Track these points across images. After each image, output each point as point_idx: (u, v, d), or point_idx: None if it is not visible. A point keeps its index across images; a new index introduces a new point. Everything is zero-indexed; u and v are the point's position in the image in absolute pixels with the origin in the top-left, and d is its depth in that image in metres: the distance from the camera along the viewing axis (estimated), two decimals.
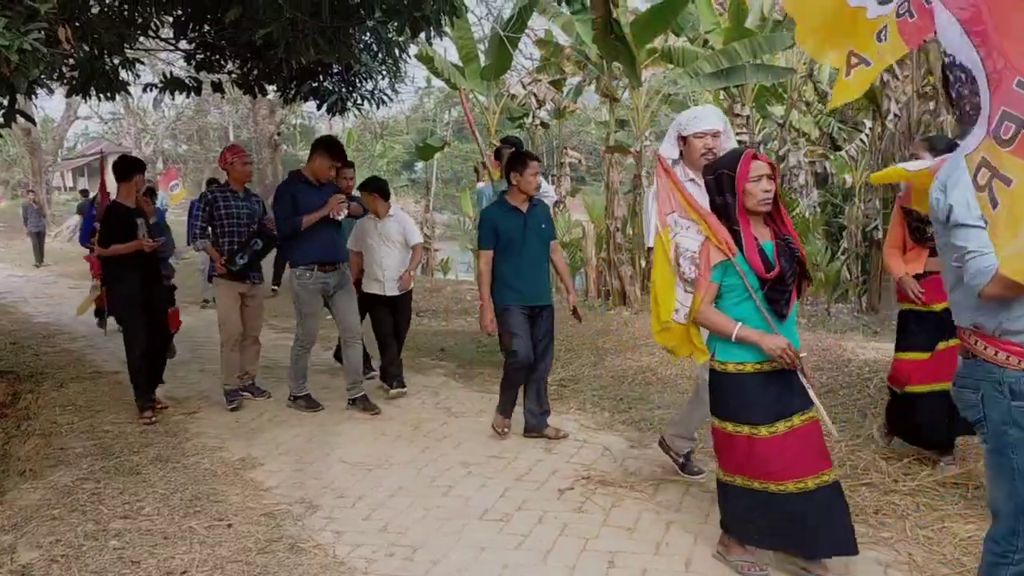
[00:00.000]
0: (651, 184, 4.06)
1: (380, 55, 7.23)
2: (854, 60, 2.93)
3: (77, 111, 31.82)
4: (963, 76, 2.34)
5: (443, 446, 5.35)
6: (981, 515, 3.86)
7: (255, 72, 7.44)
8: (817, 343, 7.10)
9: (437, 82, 22.71)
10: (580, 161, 21.44)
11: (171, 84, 7.44)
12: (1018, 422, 2.42)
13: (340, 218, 6.02)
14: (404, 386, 6.64)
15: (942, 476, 4.32)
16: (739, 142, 14.74)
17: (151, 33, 7.11)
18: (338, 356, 7.16)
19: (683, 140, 4.12)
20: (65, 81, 7.12)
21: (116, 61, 6.89)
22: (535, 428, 5.41)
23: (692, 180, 3.98)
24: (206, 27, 6.98)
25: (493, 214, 5.39)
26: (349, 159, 7.01)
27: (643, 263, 11.89)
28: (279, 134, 20.52)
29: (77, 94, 7.22)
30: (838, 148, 15.52)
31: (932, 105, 7.64)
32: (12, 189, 42.76)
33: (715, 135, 4.04)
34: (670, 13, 10.98)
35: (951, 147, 4.21)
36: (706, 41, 13.33)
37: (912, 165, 4.17)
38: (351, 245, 6.61)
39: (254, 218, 6.42)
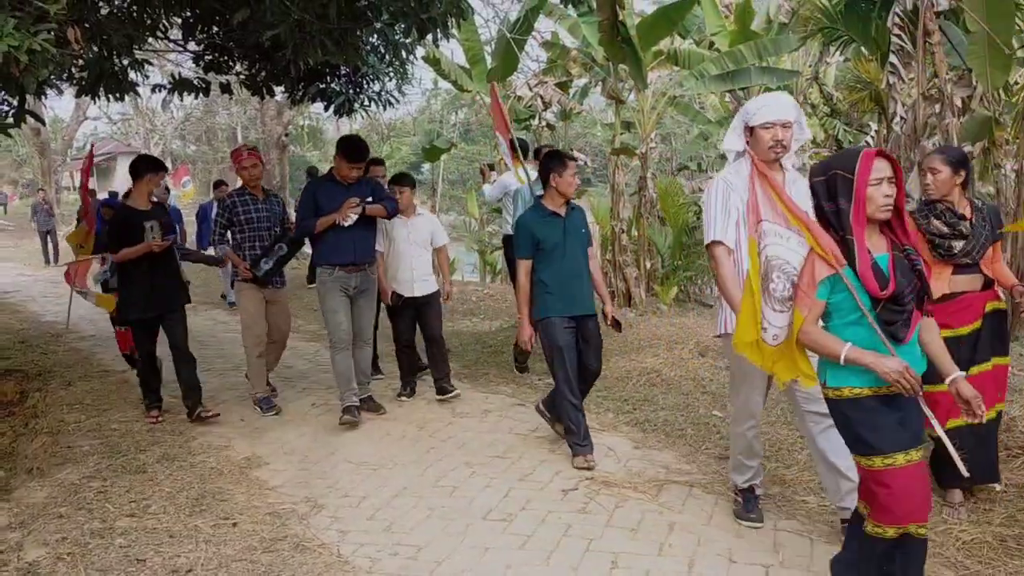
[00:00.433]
0: (707, 183, 3.86)
1: (387, 57, 7.27)
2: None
3: (86, 111, 31.95)
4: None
5: (447, 446, 5.37)
6: (984, 520, 3.87)
7: (263, 73, 7.47)
8: None
9: (444, 84, 22.79)
10: (586, 163, 21.46)
11: (180, 85, 7.47)
12: None
13: (346, 224, 5.77)
14: (455, 390, 6.45)
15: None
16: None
17: (160, 34, 7.15)
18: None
19: (750, 131, 3.74)
20: (74, 82, 7.17)
21: (125, 62, 6.93)
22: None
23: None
24: (214, 28, 7.02)
25: (530, 220, 5.07)
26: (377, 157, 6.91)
27: (647, 264, 11.90)
28: (287, 135, 20.58)
29: (86, 94, 7.26)
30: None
31: (938, 108, 7.62)
32: (21, 188, 42.95)
33: (785, 126, 3.67)
34: (676, 15, 11.00)
35: (963, 158, 4.18)
36: (712, 43, 13.34)
37: None
38: (376, 246, 6.32)
39: (275, 220, 6.33)
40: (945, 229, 4.01)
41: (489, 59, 14.53)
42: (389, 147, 35.75)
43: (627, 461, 4.93)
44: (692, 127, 18.42)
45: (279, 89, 8.03)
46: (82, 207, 7.11)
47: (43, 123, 14.20)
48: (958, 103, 7.65)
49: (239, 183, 6.42)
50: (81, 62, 6.51)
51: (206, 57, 7.45)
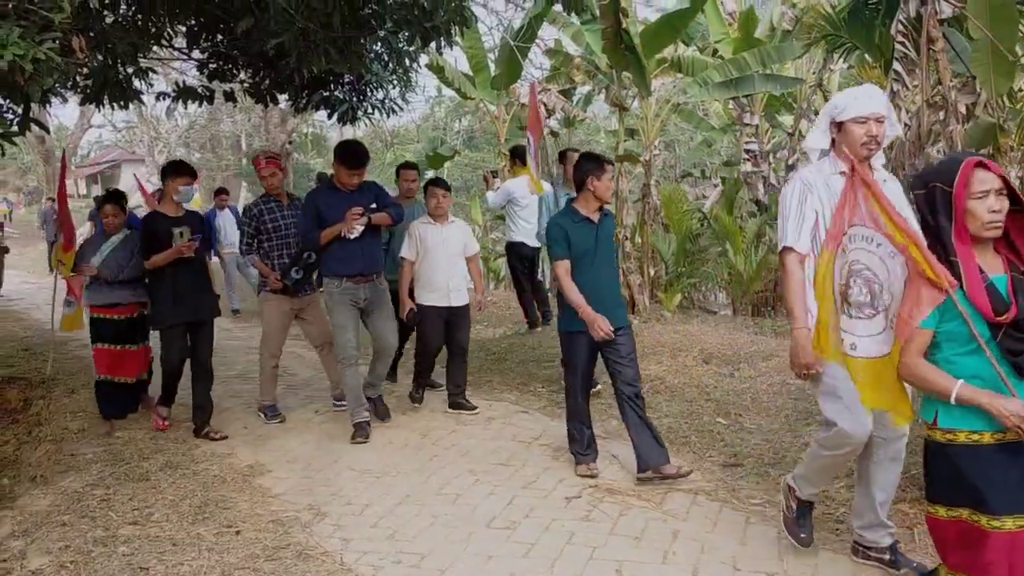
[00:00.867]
0: (784, 183, 3.54)
1: (391, 65, 7.29)
2: None
3: (91, 119, 32.03)
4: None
5: (451, 454, 5.36)
6: None
7: (267, 81, 7.49)
8: None
9: (448, 92, 22.82)
10: None
11: (184, 93, 7.50)
12: None
13: (352, 236, 5.58)
14: (475, 408, 6.29)
15: None
16: (747, 151, 14.74)
17: (164, 43, 7.18)
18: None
19: (837, 126, 3.42)
20: (79, 90, 7.18)
21: (129, 70, 6.95)
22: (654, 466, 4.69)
23: (843, 173, 3.35)
24: (219, 37, 7.04)
25: (563, 222, 4.80)
26: (411, 161, 6.84)
27: (651, 271, 11.89)
28: (291, 143, 20.63)
29: (91, 102, 7.29)
30: None
31: (942, 115, 7.61)
32: (25, 196, 43.08)
33: (879, 120, 3.35)
34: (679, 23, 11.01)
35: None
36: (715, 51, 13.35)
37: None
38: (405, 253, 6.16)
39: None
40: None
41: (493, 67, 14.57)
42: (393, 154, 35.77)
43: (631, 469, 4.91)
44: (696, 134, 18.45)
45: (283, 97, 8.05)
46: (59, 220, 6.83)
47: (48, 131, 14.24)
48: (962, 110, 7.64)
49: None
50: (86, 70, 6.53)
51: (210, 65, 7.47)
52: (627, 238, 11.13)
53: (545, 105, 15.03)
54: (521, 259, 8.59)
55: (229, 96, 8.02)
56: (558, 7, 10.65)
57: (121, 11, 6.42)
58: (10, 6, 3.88)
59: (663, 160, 19.64)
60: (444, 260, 6.14)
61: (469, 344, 6.47)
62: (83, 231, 26.55)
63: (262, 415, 6.33)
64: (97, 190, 39.75)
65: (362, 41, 6.48)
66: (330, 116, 7.79)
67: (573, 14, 10.26)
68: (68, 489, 4.87)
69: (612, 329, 4.62)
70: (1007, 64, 7.39)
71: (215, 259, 9.32)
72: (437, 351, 6.32)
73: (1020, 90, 8.80)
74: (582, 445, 4.90)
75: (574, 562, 3.76)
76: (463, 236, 6.34)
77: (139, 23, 6.48)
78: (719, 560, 3.71)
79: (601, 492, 4.56)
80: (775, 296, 12.55)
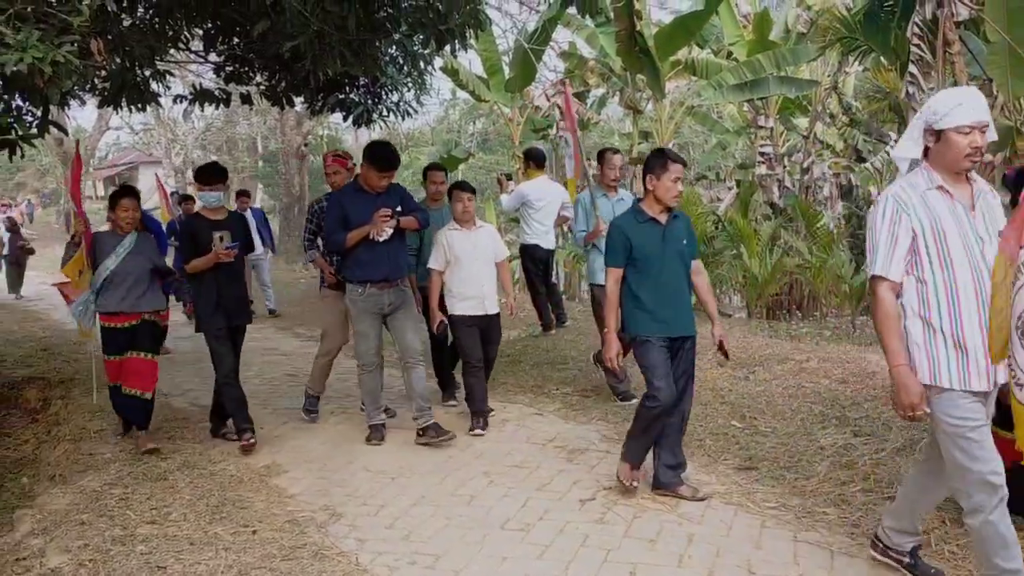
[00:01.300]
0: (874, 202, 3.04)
1: (406, 68, 7.31)
2: None
3: (109, 122, 32.25)
4: None
5: (465, 456, 5.37)
6: None
7: (283, 84, 7.54)
8: (842, 355, 7.06)
9: (462, 94, 22.85)
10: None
11: (201, 96, 7.56)
12: None
13: (381, 239, 5.41)
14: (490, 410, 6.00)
15: None
16: (762, 154, 14.73)
17: (181, 45, 7.24)
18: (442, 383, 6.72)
19: (935, 135, 3.05)
20: (97, 92, 7.26)
21: (147, 73, 7.01)
22: (667, 485, 4.51)
23: (941, 187, 3.05)
24: (235, 40, 7.09)
25: (624, 224, 4.50)
26: (440, 164, 6.67)
27: None
28: (306, 145, 20.73)
29: (109, 105, 7.36)
30: (863, 160, 15.44)
31: None
32: (43, 199, 43.43)
33: (983, 130, 3.00)
34: (694, 25, 11.03)
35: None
36: (730, 53, 13.35)
37: None
38: (433, 264, 5.88)
39: None
40: None
41: (507, 69, 14.60)
42: (407, 157, 35.87)
43: (645, 471, 4.90)
44: (710, 137, 18.44)
45: (299, 100, 8.09)
46: (77, 223, 6.17)
47: (66, 133, 14.36)
48: None
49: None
50: (104, 73, 6.59)
51: (227, 68, 7.52)
52: None
53: (559, 108, 15.08)
54: (535, 261, 8.59)
55: (245, 99, 8.08)
56: (572, 10, 10.67)
57: (139, 14, 6.49)
58: (30, 9, 3.93)
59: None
60: (475, 267, 5.88)
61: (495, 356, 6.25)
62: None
63: (305, 405, 6.38)
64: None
65: (377, 44, 6.51)
66: (345, 118, 7.83)
67: (587, 17, 10.28)
68: (87, 488, 4.91)
69: (619, 363, 4.62)
70: None
71: None
72: (482, 359, 5.98)
73: None
74: (643, 452, 4.55)
75: (588, 564, 3.76)
76: (493, 241, 6.10)
77: (156, 26, 6.54)
78: (734, 564, 3.70)
79: (615, 495, 4.55)
80: (790, 299, 12.51)
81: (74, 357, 9.08)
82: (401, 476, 5.03)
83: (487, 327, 5.98)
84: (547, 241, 8.52)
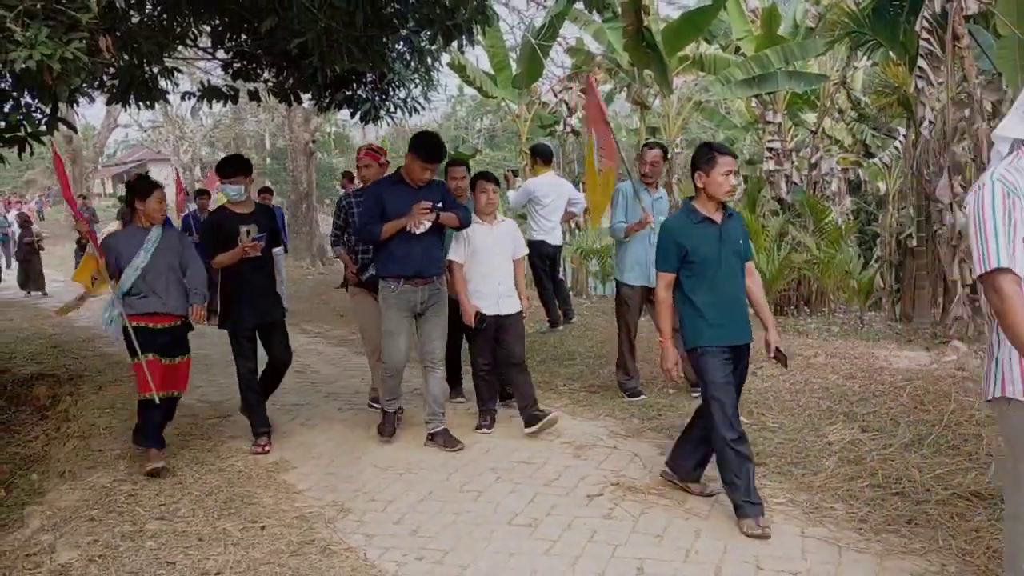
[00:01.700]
0: (976, 187, 2.67)
1: (413, 64, 7.31)
2: None
3: (117, 119, 32.39)
4: None
5: (473, 452, 5.38)
6: None
7: (290, 81, 7.55)
8: (850, 351, 7.04)
9: (469, 90, 22.85)
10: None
11: (209, 92, 7.57)
12: None
13: (418, 232, 5.19)
14: (549, 414, 5.60)
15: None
16: (770, 149, 14.68)
17: (189, 42, 7.25)
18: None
19: None
20: (106, 89, 7.27)
21: (155, 70, 7.02)
22: (684, 479, 4.43)
23: None
24: (243, 36, 7.10)
25: (676, 226, 4.19)
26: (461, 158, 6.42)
27: None
28: (314, 141, 20.74)
29: (117, 102, 7.37)
30: (871, 155, 15.40)
31: (967, 112, 7.55)
32: (53, 197, 43.58)
33: None
34: (702, 21, 11.00)
35: None
36: (738, 48, 13.32)
37: None
38: (453, 255, 5.65)
39: None
40: None
41: (514, 65, 14.59)
42: None
43: (652, 467, 4.91)
44: (717, 132, 18.39)
45: (306, 96, 8.10)
46: (78, 225, 5.65)
47: (75, 130, 14.40)
48: (988, 107, 7.58)
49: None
50: (112, 70, 6.61)
51: (235, 65, 7.54)
52: None
53: (567, 103, 15.07)
54: (542, 257, 8.59)
55: (253, 95, 8.10)
56: (580, 5, 10.64)
57: (147, 11, 6.50)
58: (38, 6, 3.94)
59: (684, 158, 19.58)
60: (494, 263, 5.64)
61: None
62: (111, 228, 26.81)
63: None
64: (123, 190, 40.14)
65: (384, 40, 6.52)
66: (353, 115, 7.84)
67: (595, 12, 10.25)
68: (96, 484, 4.93)
69: (678, 374, 4.27)
70: None
71: None
72: (490, 366, 5.80)
73: None
74: (746, 491, 4.02)
75: (596, 560, 3.76)
76: (513, 236, 5.82)
77: (164, 23, 6.55)
78: (741, 559, 3.70)
79: (623, 490, 4.55)
80: (798, 295, 12.47)
81: (83, 354, 9.13)
82: (409, 472, 5.04)
83: (502, 328, 5.67)
84: (554, 237, 8.51)
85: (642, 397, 6.26)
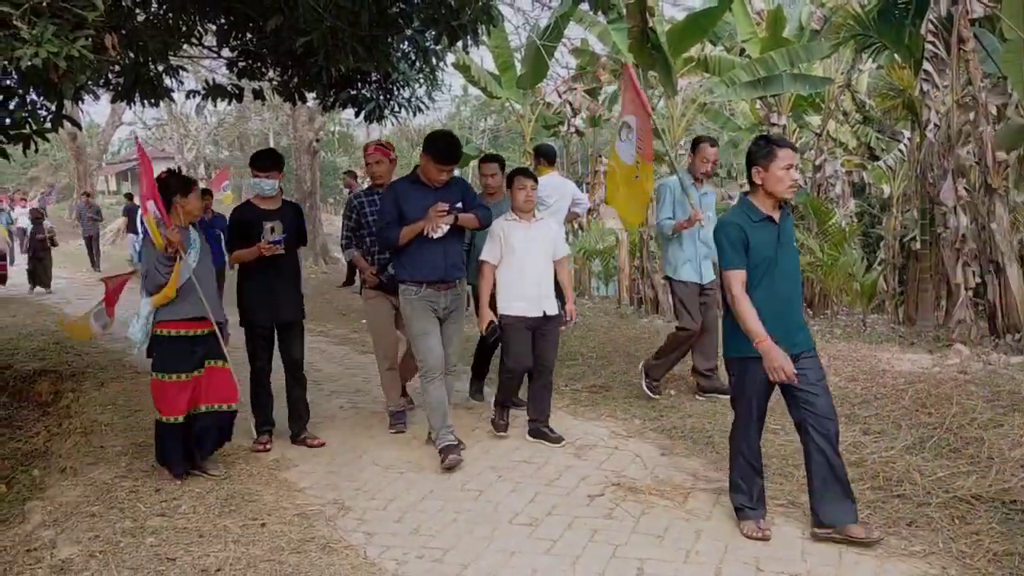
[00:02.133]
0: None
1: (418, 63, 7.32)
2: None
3: (122, 116, 32.41)
4: None
5: (474, 451, 5.38)
6: (1017, 531, 3.81)
7: (295, 80, 7.56)
8: (852, 353, 7.04)
9: (473, 91, 22.88)
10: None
11: (213, 91, 7.58)
12: None
13: (436, 236, 4.97)
14: (558, 437, 5.41)
15: None
16: None
17: (194, 41, 7.27)
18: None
19: None
20: (111, 87, 7.29)
21: (160, 68, 7.05)
22: (833, 524, 3.82)
23: None
24: (248, 35, 7.11)
25: (740, 222, 3.84)
26: (494, 154, 6.10)
27: None
28: (318, 140, 20.76)
29: (122, 100, 7.39)
30: (876, 158, 15.39)
31: (972, 116, 7.54)
32: (56, 193, 43.69)
33: None
34: (707, 22, 10.99)
35: None
36: (743, 50, 13.30)
37: None
38: (486, 255, 5.35)
39: None
40: None
41: (519, 66, 14.60)
42: (419, 153, 35.96)
43: (653, 467, 4.91)
44: (722, 134, 18.40)
45: (311, 95, 8.12)
46: (170, 234, 4.69)
47: (80, 128, 14.43)
48: (993, 111, 7.57)
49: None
50: (118, 68, 6.63)
51: (240, 63, 7.55)
52: (651, 237, 11.13)
53: (571, 104, 15.07)
54: None
55: (258, 94, 8.11)
56: (584, 6, 10.66)
57: (152, 9, 6.52)
58: (45, 4, 3.95)
59: (688, 160, 19.58)
60: (534, 263, 5.33)
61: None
62: (115, 226, 26.80)
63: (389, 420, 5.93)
64: (127, 187, 40.16)
65: (389, 39, 6.52)
66: (357, 114, 7.85)
67: (600, 13, 10.26)
68: (97, 480, 4.94)
69: (793, 371, 3.70)
70: None
71: None
72: (526, 370, 5.50)
73: None
74: (750, 498, 3.97)
75: (596, 560, 3.76)
76: (553, 235, 5.53)
77: (170, 21, 6.57)
78: (742, 560, 3.70)
79: (623, 491, 4.55)
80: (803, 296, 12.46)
81: (85, 351, 9.14)
82: (410, 471, 5.05)
83: (543, 331, 5.40)
84: None
85: (655, 397, 6.21)
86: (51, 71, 3.93)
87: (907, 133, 13.79)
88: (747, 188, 3.96)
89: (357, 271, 6.25)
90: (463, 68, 14.65)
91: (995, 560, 3.57)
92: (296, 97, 7.79)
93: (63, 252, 22.96)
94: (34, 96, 5.14)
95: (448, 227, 5.00)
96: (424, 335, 5.10)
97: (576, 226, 16.31)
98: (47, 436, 6.03)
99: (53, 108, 5.30)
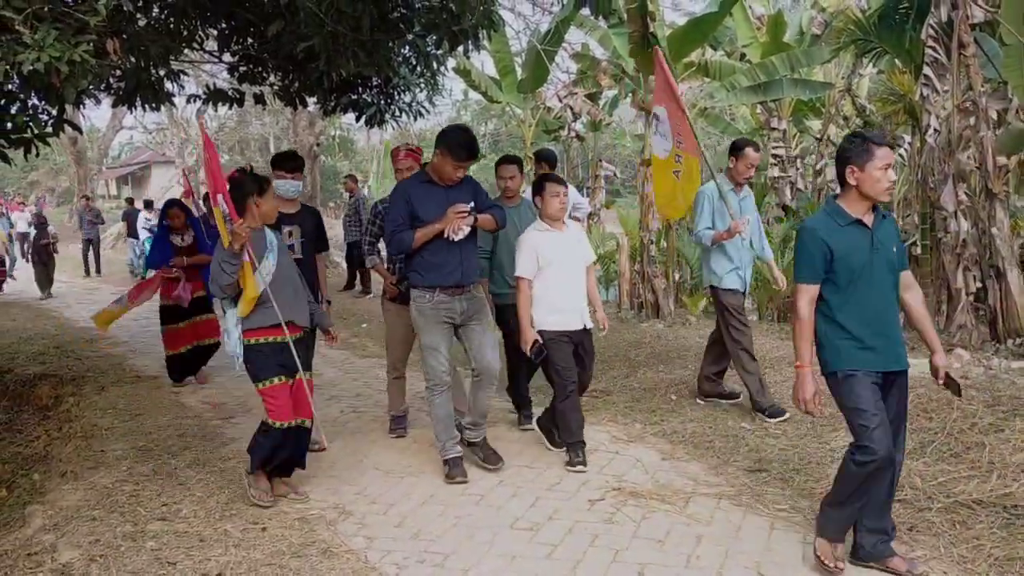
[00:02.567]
0: None
1: (418, 68, 7.34)
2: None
3: (122, 121, 32.46)
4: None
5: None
6: (1018, 536, 3.81)
7: (296, 84, 7.58)
8: None
9: (474, 95, 22.90)
10: (615, 174, 21.40)
11: (214, 95, 7.59)
12: None
13: (457, 238, 4.70)
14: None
15: None
16: (775, 156, 14.66)
17: (196, 46, 7.28)
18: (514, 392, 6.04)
19: None
20: (112, 91, 7.31)
21: (162, 72, 7.05)
22: (873, 556, 3.58)
23: None
24: (249, 40, 7.13)
25: (822, 226, 3.54)
26: (514, 156, 5.94)
27: (676, 275, 11.85)
28: (318, 145, 20.79)
29: (123, 104, 7.41)
30: None
31: (972, 120, 7.54)
32: (58, 196, 43.72)
33: None
34: (707, 27, 10.99)
35: None
36: (743, 55, 13.32)
37: None
38: (522, 271, 4.99)
39: None
40: None
41: (519, 70, 14.62)
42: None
43: (655, 472, 4.91)
44: (723, 139, 18.40)
45: (312, 100, 8.13)
46: (238, 229, 4.33)
47: (81, 132, 14.45)
48: (993, 116, 7.57)
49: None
50: (119, 72, 6.63)
51: (241, 68, 7.57)
52: (652, 242, 11.13)
53: (571, 109, 15.08)
54: None
55: (259, 99, 8.13)
56: (585, 11, 10.68)
57: (154, 14, 6.53)
58: (47, 9, 3.96)
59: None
60: (570, 273, 5.06)
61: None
62: (115, 230, 26.78)
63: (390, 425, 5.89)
64: (127, 191, 40.23)
65: (390, 44, 6.53)
66: (358, 119, 7.86)
67: (600, 18, 10.27)
68: (98, 484, 4.94)
69: (817, 410, 3.61)
70: None
71: None
72: (580, 383, 5.17)
73: None
74: (850, 523, 3.65)
75: (597, 564, 3.76)
76: (583, 242, 5.26)
77: (171, 26, 6.59)
78: (743, 565, 3.70)
79: (625, 495, 4.55)
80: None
81: (86, 355, 9.15)
82: (410, 475, 5.04)
83: (582, 344, 5.15)
84: None
85: (783, 416, 5.70)
86: (53, 75, 3.95)
87: (907, 138, 13.79)
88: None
89: (359, 276, 6.24)
90: (464, 72, 14.68)
91: (996, 565, 3.56)
92: (297, 101, 7.80)
93: (63, 256, 22.97)
94: (35, 100, 5.15)
95: (469, 229, 4.74)
96: (434, 350, 4.88)
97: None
98: (47, 440, 6.04)
99: (54, 112, 5.32)
